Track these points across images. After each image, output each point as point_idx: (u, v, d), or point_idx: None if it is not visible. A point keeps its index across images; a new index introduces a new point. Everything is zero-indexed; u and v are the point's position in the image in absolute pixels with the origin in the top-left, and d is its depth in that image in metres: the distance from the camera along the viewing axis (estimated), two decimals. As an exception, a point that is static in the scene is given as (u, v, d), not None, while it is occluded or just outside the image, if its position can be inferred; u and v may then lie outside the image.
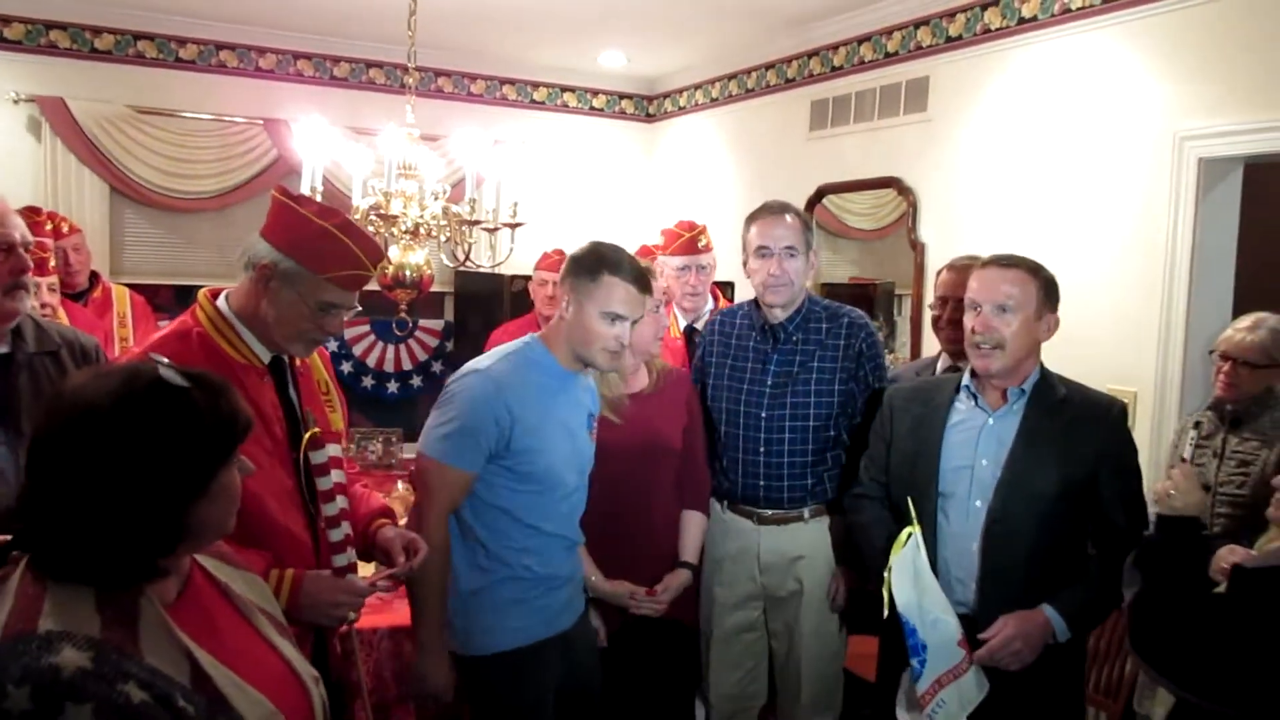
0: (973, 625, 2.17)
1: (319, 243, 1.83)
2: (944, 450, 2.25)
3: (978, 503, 2.18)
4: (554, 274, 3.57)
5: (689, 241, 3.54)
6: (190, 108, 5.03)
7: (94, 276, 4.15)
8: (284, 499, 1.83)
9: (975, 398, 2.26)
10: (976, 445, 2.22)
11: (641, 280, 2.18)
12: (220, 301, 1.88)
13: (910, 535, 2.12)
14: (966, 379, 2.29)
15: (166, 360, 1.25)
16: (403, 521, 2.18)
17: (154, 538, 1.16)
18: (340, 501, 1.83)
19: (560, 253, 3.82)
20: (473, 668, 2.19)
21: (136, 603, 1.15)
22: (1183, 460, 2.06)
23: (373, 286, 2.54)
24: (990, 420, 2.23)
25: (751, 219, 2.71)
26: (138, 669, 1.08)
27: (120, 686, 1.05)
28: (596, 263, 2.16)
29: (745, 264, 2.72)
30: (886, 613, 2.13)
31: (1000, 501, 2.15)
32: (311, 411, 1.96)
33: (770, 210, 2.69)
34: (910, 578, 2.12)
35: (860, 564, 2.51)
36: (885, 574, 2.12)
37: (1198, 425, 2.18)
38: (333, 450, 1.84)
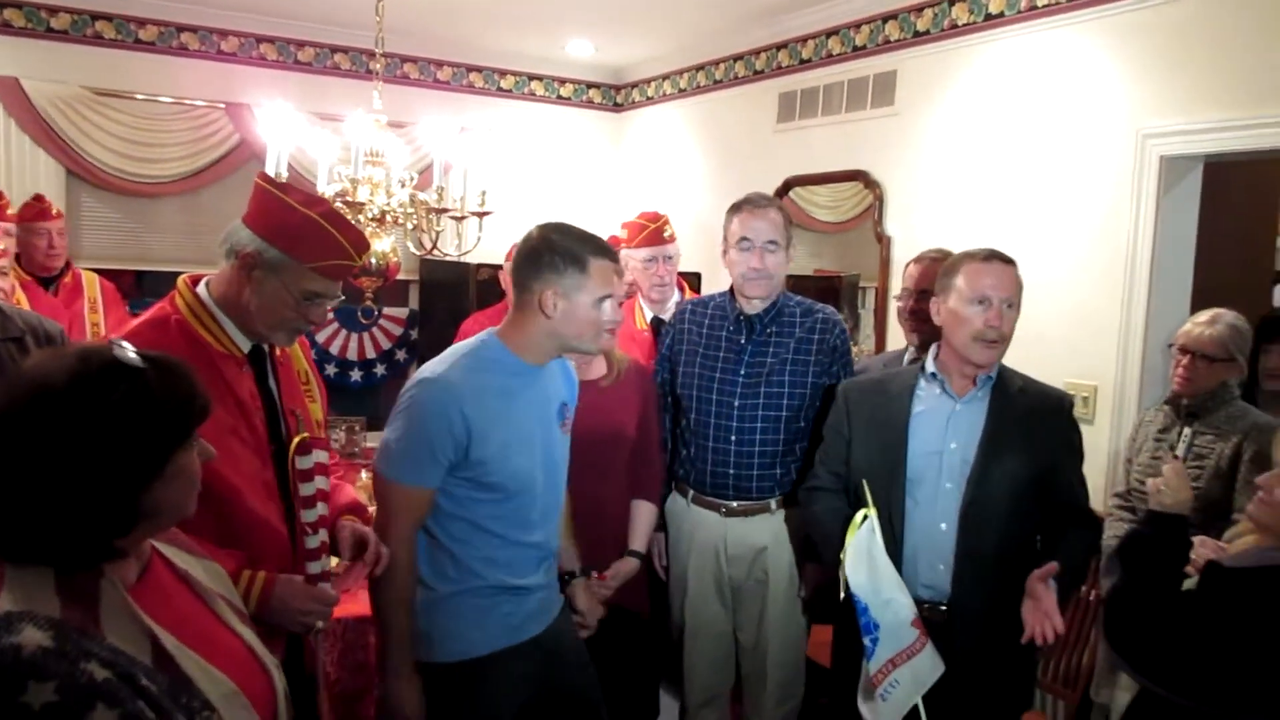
0: (948, 611, 2.22)
1: (304, 231, 1.81)
2: (911, 437, 2.28)
3: (948, 485, 2.24)
4: None
5: (654, 232, 3.52)
6: (150, 90, 4.94)
7: (65, 262, 4.13)
8: (261, 490, 1.81)
9: (942, 385, 2.30)
10: (945, 430, 2.27)
11: (615, 255, 2.13)
12: (200, 289, 1.85)
13: (865, 518, 2.16)
14: (931, 367, 2.33)
15: (125, 342, 1.23)
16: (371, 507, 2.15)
17: (110, 519, 1.16)
18: (320, 508, 1.80)
19: None
20: (430, 674, 2.11)
21: (97, 584, 1.15)
22: (1175, 458, 2.09)
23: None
24: (957, 406, 2.29)
25: (735, 210, 2.71)
26: (99, 648, 1.08)
27: (83, 665, 1.04)
28: (575, 252, 2.04)
29: (725, 254, 2.72)
30: (843, 595, 2.16)
31: (976, 484, 2.21)
32: (300, 413, 1.93)
33: (754, 203, 2.69)
34: (865, 559, 2.14)
35: (817, 555, 2.54)
36: (840, 556, 2.15)
37: (1191, 424, 2.23)
38: (319, 456, 1.80)
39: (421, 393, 2.01)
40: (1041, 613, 2.08)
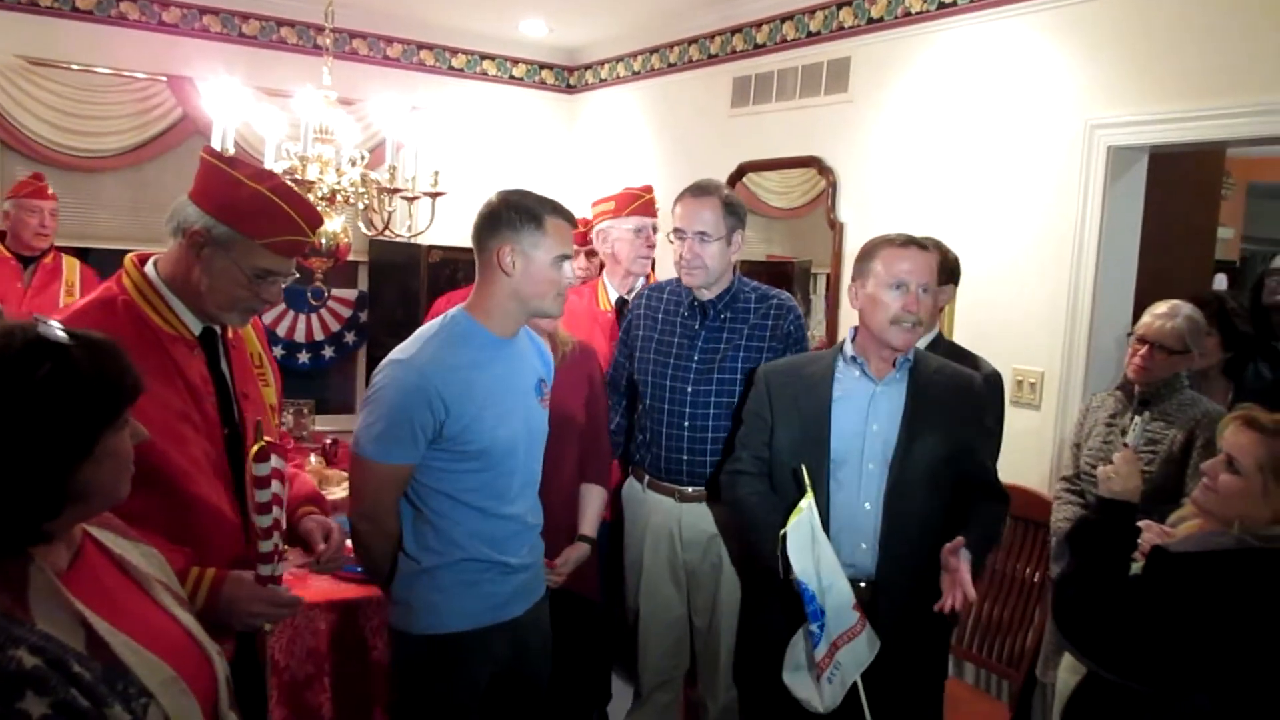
0: (872, 589, 2.28)
1: (254, 207, 1.75)
2: (834, 419, 2.32)
3: (870, 465, 2.29)
4: None
5: (648, 203, 3.43)
6: (87, 60, 4.76)
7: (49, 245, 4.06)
8: (213, 475, 1.76)
9: (861, 367, 2.34)
10: (867, 412, 2.32)
11: (572, 216, 2.16)
12: (148, 268, 1.79)
13: (807, 503, 2.18)
14: (851, 350, 2.37)
15: (52, 320, 1.19)
16: (340, 495, 2.12)
17: (36, 501, 1.12)
18: (275, 513, 1.75)
19: None
20: (410, 646, 2.13)
21: (25, 570, 1.12)
22: (1125, 446, 2.14)
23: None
24: (878, 388, 2.34)
25: (676, 201, 2.72)
26: (28, 634, 1.05)
27: (10, 652, 1.01)
28: (533, 210, 2.07)
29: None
30: (783, 576, 2.18)
31: (899, 464, 2.26)
32: (252, 396, 1.88)
33: (692, 192, 2.71)
34: (808, 545, 2.17)
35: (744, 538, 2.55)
36: (780, 539, 2.17)
37: (1142, 412, 2.29)
38: (276, 463, 1.75)
39: (395, 374, 2.03)
40: (956, 582, 2.13)
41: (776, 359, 2.65)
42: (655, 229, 3.44)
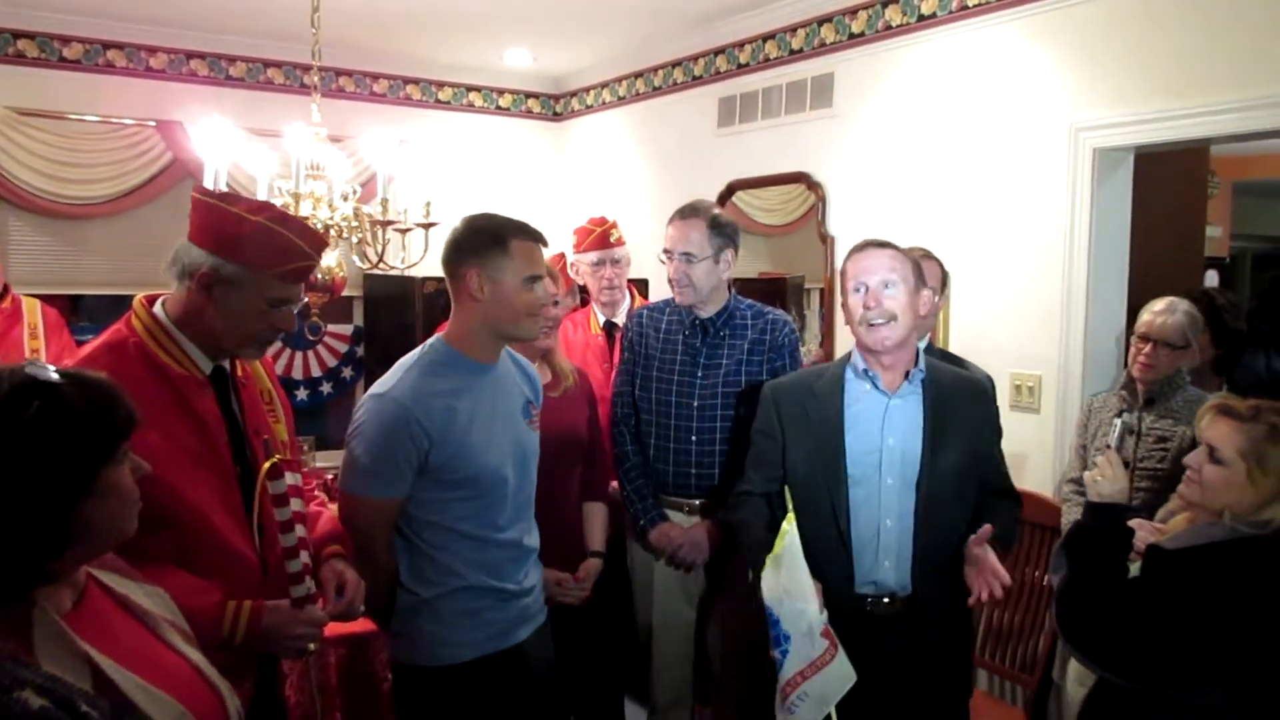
0: (904, 603, 2.24)
1: (257, 239, 1.74)
2: (847, 434, 2.28)
3: (889, 481, 2.24)
4: None
5: (600, 236, 3.58)
6: (77, 109, 4.79)
7: (4, 287, 4.02)
8: (227, 514, 1.75)
9: (873, 381, 2.30)
10: (882, 426, 2.27)
11: (539, 236, 2.14)
12: (157, 309, 1.78)
13: (789, 525, 2.11)
14: (861, 364, 2.33)
15: (40, 361, 1.20)
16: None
17: (37, 540, 1.12)
18: (299, 530, 1.74)
19: None
20: (413, 679, 2.11)
21: (29, 614, 1.11)
22: (1108, 448, 2.13)
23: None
24: (891, 402, 2.29)
25: (670, 220, 2.79)
26: (34, 675, 1.04)
27: (16, 694, 1.00)
28: (497, 233, 2.06)
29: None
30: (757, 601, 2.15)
31: (927, 479, 2.22)
32: (264, 434, 1.87)
33: (680, 214, 2.78)
34: (784, 568, 2.11)
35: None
36: (763, 563, 2.14)
37: (1122, 415, 2.28)
38: (292, 479, 1.74)
39: (375, 409, 2.01)
40: (986, 570, 2.11)
41: (776, 370, 2.68)
42: (617, 260, 3.57)
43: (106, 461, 1.19)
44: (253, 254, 1.74)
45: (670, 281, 2.75)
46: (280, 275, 1.77)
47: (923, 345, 2.80)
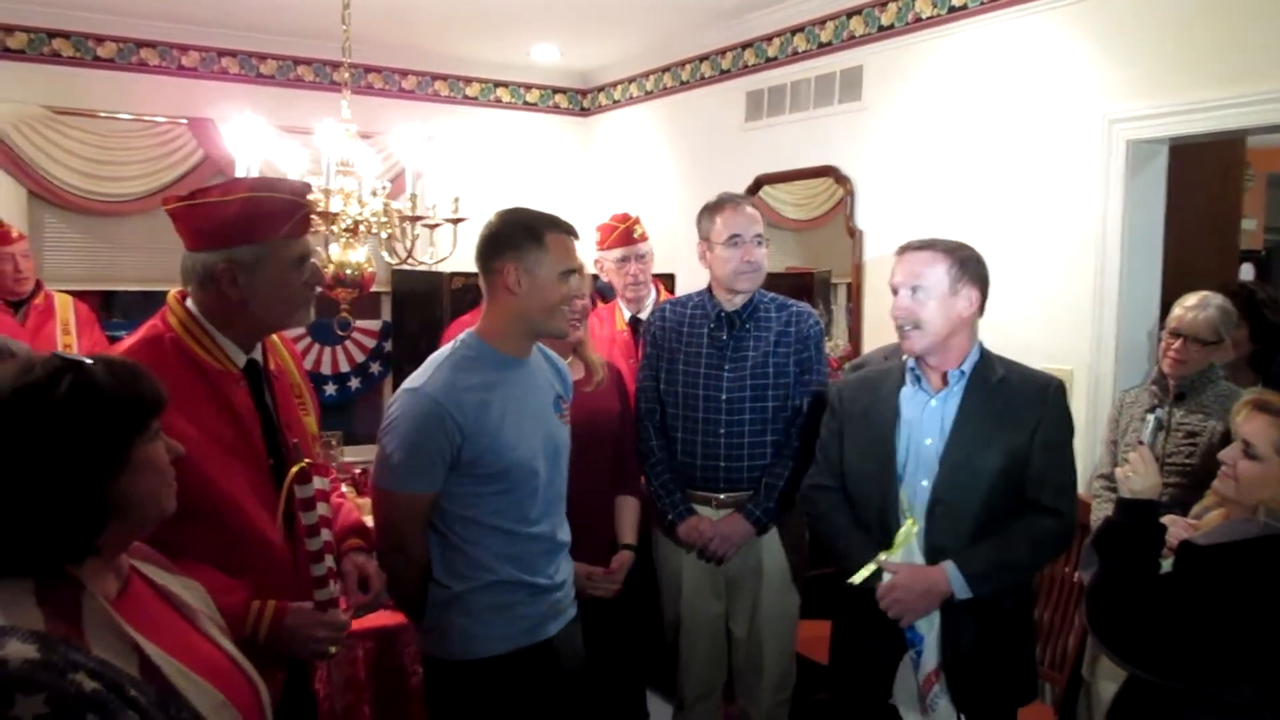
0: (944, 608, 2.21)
1: (251, 214, 1.75)
2: (898, 434, 2.28)
3: (924, 482, 2.23)
4: None
5: (624, 233, 3.60)
6: (110, 108, 4.86)
7: (36, 284, 4.10)
8: (260, 507, 1.77)
9: (919, 381, 2.30)
10: (921, 426, 2.26)
11: (573, 230, 2.16)
12: (190, 304, 1.80)
13: (912, 528, 2.17)
14: (911, 363, 2.32)
15: (69, 352, 1.25)
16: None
17: (80, 514, 1.16)
18: (325, 534, 1.76)
19: None
20: (445, 673, 2.12)
21: (78, 598, 1.15)
22: (1140, 444, 2.08)
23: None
24: (933, 402, 2.27)
25: (715, 209, 2.78)
26: (86, 659, 1.08)
27: (71, 676, 1.04)
28: (533, 227, 2.08)
29: (705, 254, 2.78)
30: (859, 581, 2.17)
31: (941, 481, 2.20)
32: (295, 427, 1.90)
33: (735, 200, 2.79)
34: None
35: (821, 550, 2.54)
36: (879, 558, 2.17)
37: (1155, 410, 2.21)
38: (320, 483, 1.76)
39: (409, 404, 2.02)
40: (888, 583, 2.15)
41: (803, 362, 2.72)
42: (641, 255, 3.59)
43: (138, 435, 1.23)
44: (253, 229, 1.75)
45: (737, 270, 2.71)
46: (288, 234, 1.79)
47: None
